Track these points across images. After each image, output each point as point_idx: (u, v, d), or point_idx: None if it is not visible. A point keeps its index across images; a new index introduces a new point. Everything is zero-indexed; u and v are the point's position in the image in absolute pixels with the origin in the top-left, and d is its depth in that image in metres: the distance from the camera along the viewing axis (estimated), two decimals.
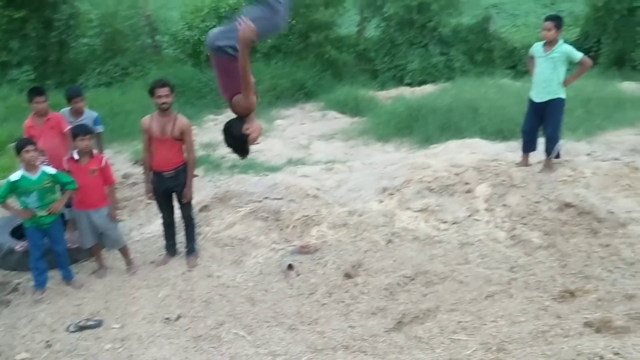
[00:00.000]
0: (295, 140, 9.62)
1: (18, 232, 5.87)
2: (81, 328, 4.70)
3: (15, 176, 5.00)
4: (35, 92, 5.82)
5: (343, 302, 4.84)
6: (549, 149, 6.36)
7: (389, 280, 5.03)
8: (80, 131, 5.23)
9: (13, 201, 5.24)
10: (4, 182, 5.13)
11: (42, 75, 12.92)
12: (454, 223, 5.86)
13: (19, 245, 5.62)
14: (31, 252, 5.21)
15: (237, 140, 4.10)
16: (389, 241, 5.71)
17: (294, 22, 13.25)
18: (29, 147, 4.98)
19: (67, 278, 5.43)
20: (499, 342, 4.09)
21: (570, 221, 5.62)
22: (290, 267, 5.35)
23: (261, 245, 5.86)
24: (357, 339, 4.30)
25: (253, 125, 4.07)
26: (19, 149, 5.00)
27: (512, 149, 7.53)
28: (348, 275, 5.21)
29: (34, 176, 5.03)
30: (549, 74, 6.14)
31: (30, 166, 5.02)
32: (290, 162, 8.47)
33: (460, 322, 4.39)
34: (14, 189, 5.00)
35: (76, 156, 5.29)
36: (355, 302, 4.82)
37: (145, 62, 13.43)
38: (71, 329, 4.70)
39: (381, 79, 13.67)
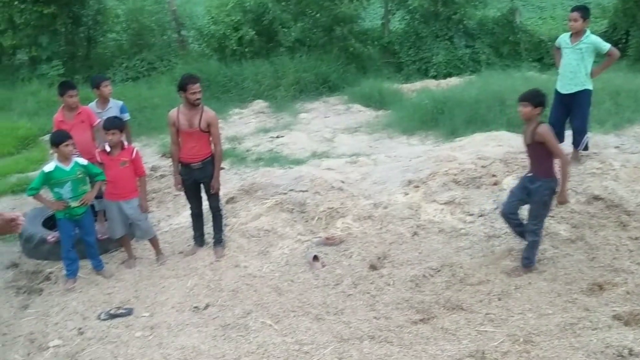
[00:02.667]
0: (319, 134, 9.63)
1: (49, 223, 6.01)
2: (112, 316, 4.81)
3: (49, 167, 5.12)
4: (67, 85, 5.92)
5: (368, 293, 4.87)
6: (576, 142, 6.29)
7: (415, 272, 5.04)
8: (111, 126, 5.33)
9: (45, 193, 5.38)
10: (38, 174, 5.26)
11: (71, 70, 13.13)
12: (480, 215, 5.84)
13: (51, 236, 5.75)
14: (63, 243, 5.33)
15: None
16: (415, 233, 5.71)
17: (318, 15, 13.25)
18: (69, 142, 5.11)
19: (98, 268, 5.55)
20: (527, 334, 4.09)
21: (598, 214, 5.56)
22: (315, 258, 5.39)
23: (287, 236, 5.91)
24: (383, 330, 4.33)
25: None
26: (57, 142, 5.10)
27: None
28: (373, 267, 5.24)
29: (68, 167, 5.14)
30: (576, 65, 6.07)
31: (65, 158, 5.14)
32: (315, 155, 8.50)
33: (487, 314, 4.39)
34: (48, 180, 5.11)
35: (107, 148, 5.40)
36: (381, 294, 4.84)
37: (171, 56, 13.56)
38: (102, 316, 4.82)
39: (406, 71, 13.60)
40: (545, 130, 4.56)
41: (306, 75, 12.23)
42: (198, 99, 5.28)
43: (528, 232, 4.90)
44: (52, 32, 12.98)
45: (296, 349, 4.17)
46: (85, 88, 10.26)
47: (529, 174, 4.91)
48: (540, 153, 4.67)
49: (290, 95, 11.89)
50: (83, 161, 5.27)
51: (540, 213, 4.84)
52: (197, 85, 5.25)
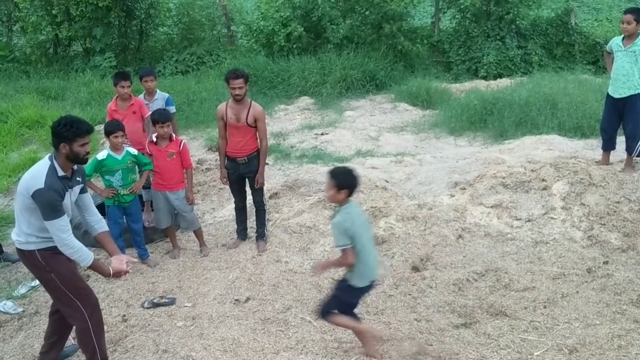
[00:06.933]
0: (364, 132, 9.56)
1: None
2: (155, 305, 4.89)
3: (101, 155, 5.30)
4: (122, 76, 6.05)
5: (410, 294, 4.82)
6: (629, 148, 6.09)
7: (458, 276, 4.96)
8: (161, 118, 5.43)
9: (95, 181, 5.51)
10: (90, 161, 5.39)
11: (123, 62, 13.44)
12: (528, 220, 5.70)
13: None
14: (111, 230, 5.41)
15: None
16: (459, 236, 5.62)
17: (367, 12, 13.17)
18: (118, 133, 5.25)
19: (143, 257, 5.66)
20: (572, 344, 3.99)
21: None
22: None
23: (328, 233, 5.88)
24: (423, 332, 4.28)
25: None
26: (109, 132, 5.27)
27: (591, 147, 7.25)
28: (416, 269, 5.17)
29: (119, 156, 5.31)
30: (629, 68, 5.92)
31: (116, 147, 5.28)
32: (359, 153, 8.44)
33: (532, 321, 4.29)
34: (100, 167, 5.28)
35: (154, 139, 5.50)
36: (423, 296, 4.78)
37: (220, 51, 13.70)
38: (146, 305, 4.91)
39: (455, 71, 13.38)
40: None
41: (353, 72, 12.15)
42: (238, 95, 5.30)
43: None
44: (106, 25, 13.30)
45: (335, 347, 4.16)
46: (137, 80, 10.51)
47: None
48: None
49: (336, 93, 11.84)
50: (133, 151, 5.42)
51: None
52: (239, 80, 5.26)
